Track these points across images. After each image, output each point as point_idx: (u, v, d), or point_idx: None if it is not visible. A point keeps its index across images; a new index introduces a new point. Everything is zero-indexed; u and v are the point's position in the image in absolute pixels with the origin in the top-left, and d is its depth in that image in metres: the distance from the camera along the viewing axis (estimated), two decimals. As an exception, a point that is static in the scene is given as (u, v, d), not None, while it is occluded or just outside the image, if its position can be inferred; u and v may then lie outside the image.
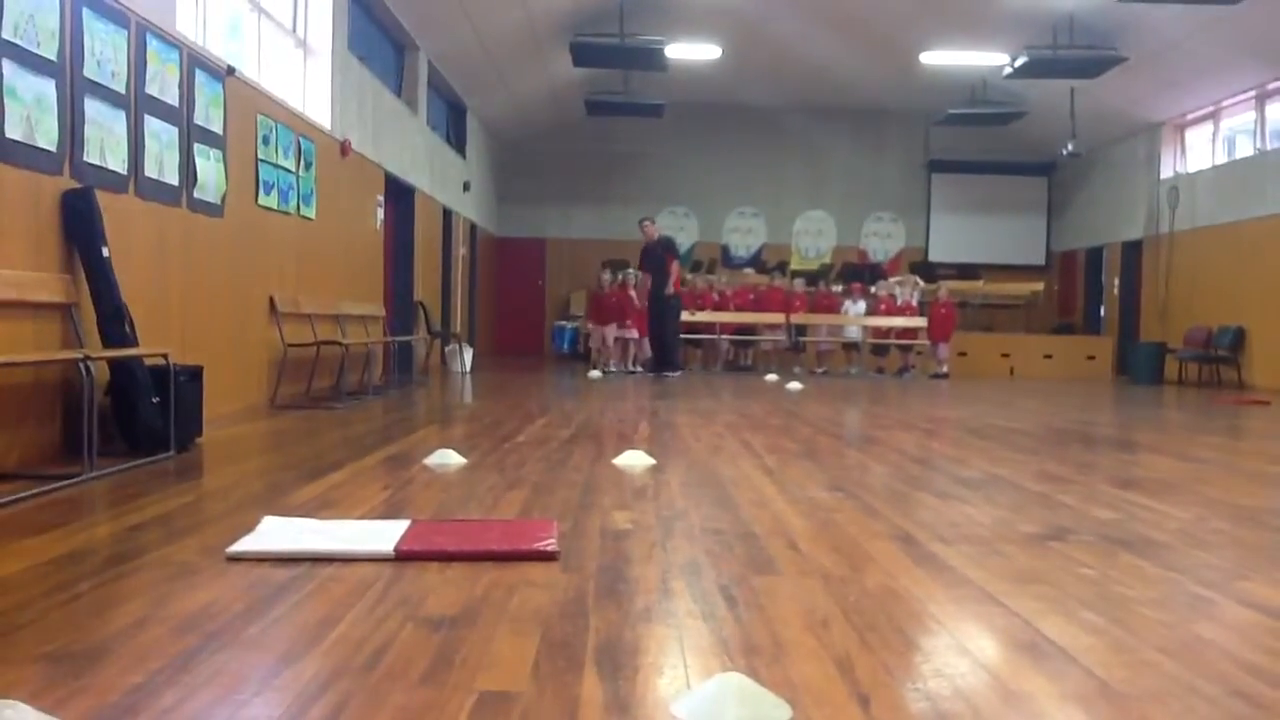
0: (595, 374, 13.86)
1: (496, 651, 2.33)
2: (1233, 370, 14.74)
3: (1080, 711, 2.06)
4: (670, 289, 14.25)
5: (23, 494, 4.11)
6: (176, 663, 2.21)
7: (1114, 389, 14.31)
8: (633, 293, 14.86)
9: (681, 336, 15.20)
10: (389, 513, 3.95)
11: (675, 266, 14.41)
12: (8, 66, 4.79)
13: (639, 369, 15.00)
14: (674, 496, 4.46)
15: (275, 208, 8.37)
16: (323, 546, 3.23)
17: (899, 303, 16.92)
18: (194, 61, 6.81)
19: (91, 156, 5.54)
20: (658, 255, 14.34)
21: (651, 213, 20.31)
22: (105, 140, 5.69)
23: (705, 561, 3.25)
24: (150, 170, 6.23)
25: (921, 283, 17.85)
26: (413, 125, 13.41)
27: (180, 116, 6.62)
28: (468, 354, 14.46)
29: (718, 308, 16.72)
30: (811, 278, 18.85)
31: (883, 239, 21.26)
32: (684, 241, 19.80)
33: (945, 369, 16.13)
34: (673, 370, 14.32)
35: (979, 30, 14.74)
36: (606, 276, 15.12)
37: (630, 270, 15.38)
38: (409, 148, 13.07)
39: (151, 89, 6.22)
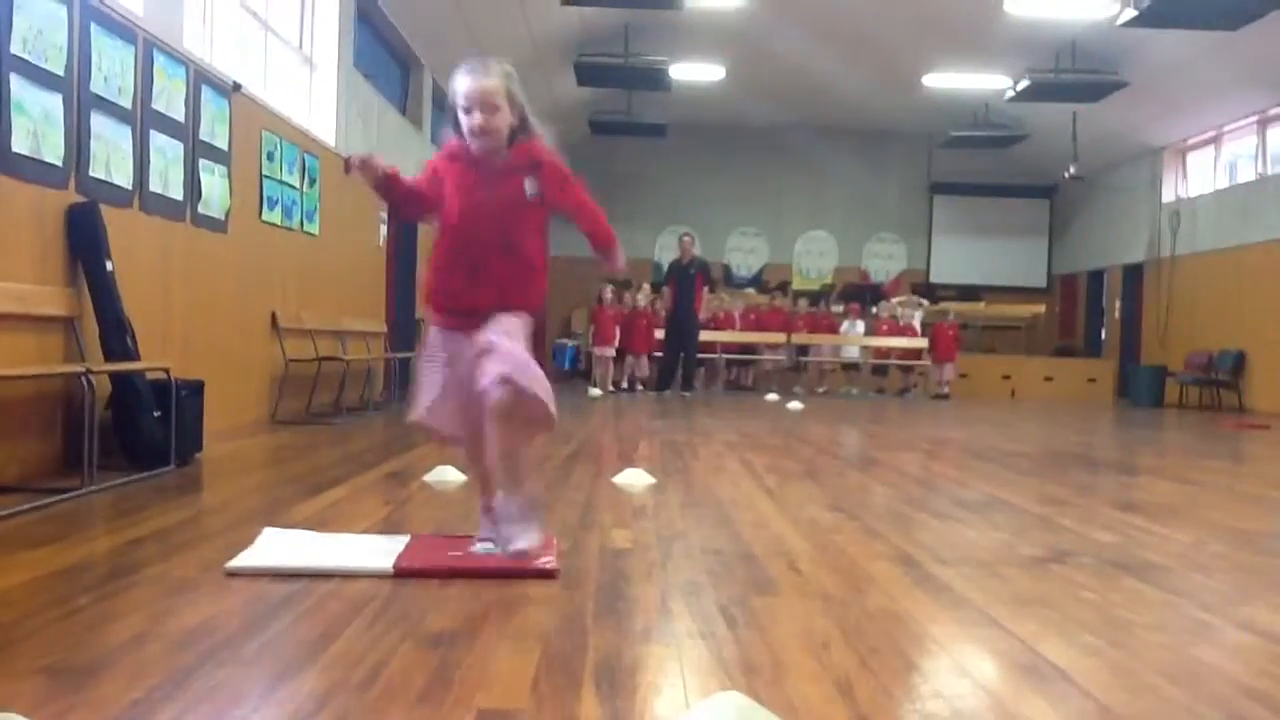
0: (595, 392, 13.86)
1: (495, 669, 2.33)
2: (1233, 394, 14.74)
3: (1080, 735, 2.05)
4: (699, 311, 14.29)
5: (22, 507, 4.11)
6: (175, 678, 2.20)
7: (1114, 412, 14.31)
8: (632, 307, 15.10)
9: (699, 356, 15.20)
10: (388, 529, 3.95)
11: (704, 292, 14.42)
12: (15, 81, 4.82)
13: (640, 388, 15.00)
14: (674, 516, 4.46)
15: (279, 223, 8.39)
16: (322, 562, 3.22)
17: (900, 324, 16.94)
18: (200, 78, 6.84)
19: (97, 171, 5.57)
20: (690, 275, 14.32)
21: (654, 231, 20.47)
22: (111, 155, 5.71)
23: (705, 581, 3.24)
24: (155, 185, 6.25)
25: (925, 303, 17.86)
26: (417, 143, 13.46)
27: (186, 132, 6.65)
28: (469, 371, 14.44)
29: (719, 326, 16.74)
30: (813, 298, 18.88)
31: (884, 260, 21.29)
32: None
33: (946, 390, 16.14)
34: (688, 390, 14.35)
35: (982, 54, 14.82)
36: (609, 294, 15.06)
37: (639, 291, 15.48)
38: (413, 165, 13.08)
39: (158, 105, 6.25)
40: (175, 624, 2.62)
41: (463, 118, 3.23)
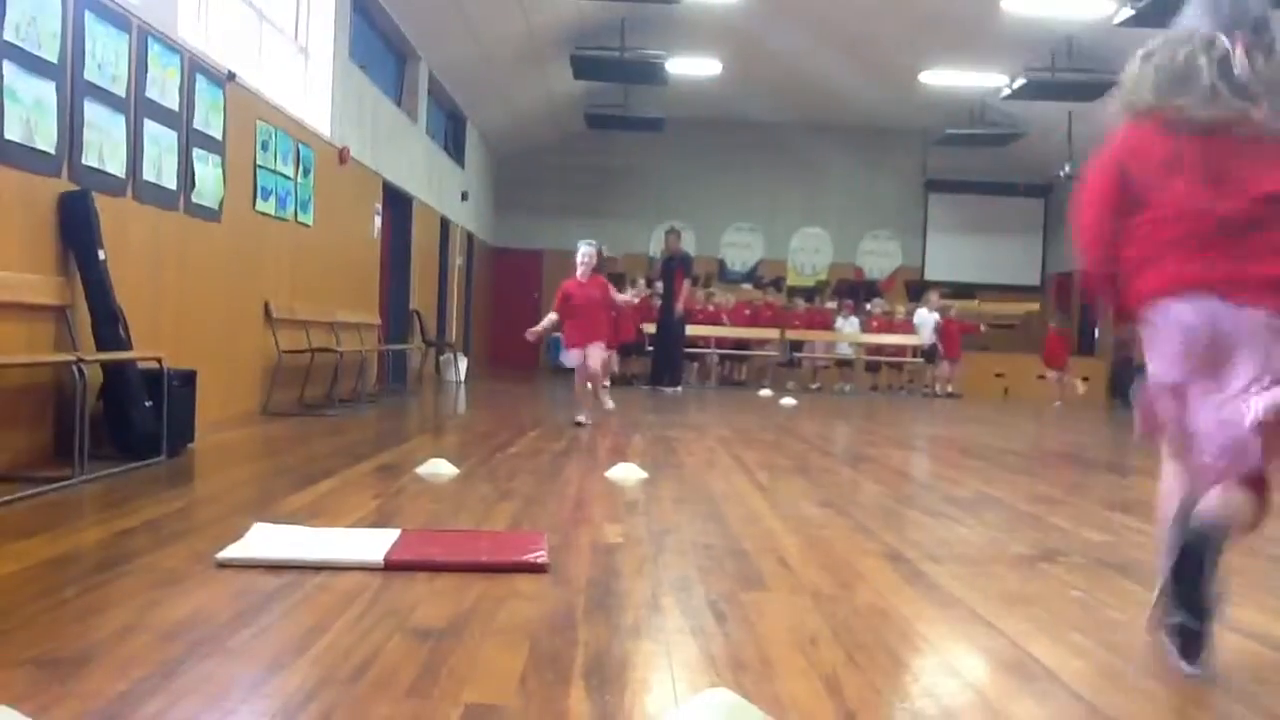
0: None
1: (484, 664, 2.33)
2: (1226, 395, 14.75)
3: (1067, 735, 2.06)
4: (678, 307, 14.25)
5: (12, 496, 4.10)
6: (162, 670, 2.20)
7: (1107, 411, 14.33)
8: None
9: (686, 350, 15.14)
10: (379, 522, 3.94)
11: (685, 285, 14.39)
12: (8, 68, 4.79)
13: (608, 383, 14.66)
14: (665, 511, 4.46)
15: (273, 214, 8.37)
16: (312, 555, 3.22)
17: (895, 319, 16.99)
18: (195, 66, 6.81)
19: (90, 159, 5.54)
20: (671, 270, 14.38)
21: (649, 226, 20.45)
22: (104, 143, 5.69)
23: (695, 577, 3.25)
24: (148, 174, 6.23)
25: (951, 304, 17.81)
26: (412, 134, 13.43)
27: (180, 121, 6.62)
28: (462, 364, 14.45)
29: (713, 322, 16.73)
30: (807, 294, 18.89)
31: (879, 257, 21.30)
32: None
33: (951, 387, 16.23)
34: (673, 386, 14.30)
35: (978, 51, 14.81)
36: (586, 250, 8.41)
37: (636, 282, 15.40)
38: (408, 157, 13.08)
39: (152, 93, 6.22)
40: (164, 615, 2.61)
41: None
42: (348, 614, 2.67)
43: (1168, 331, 2.40)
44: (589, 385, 8.46)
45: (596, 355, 8.34)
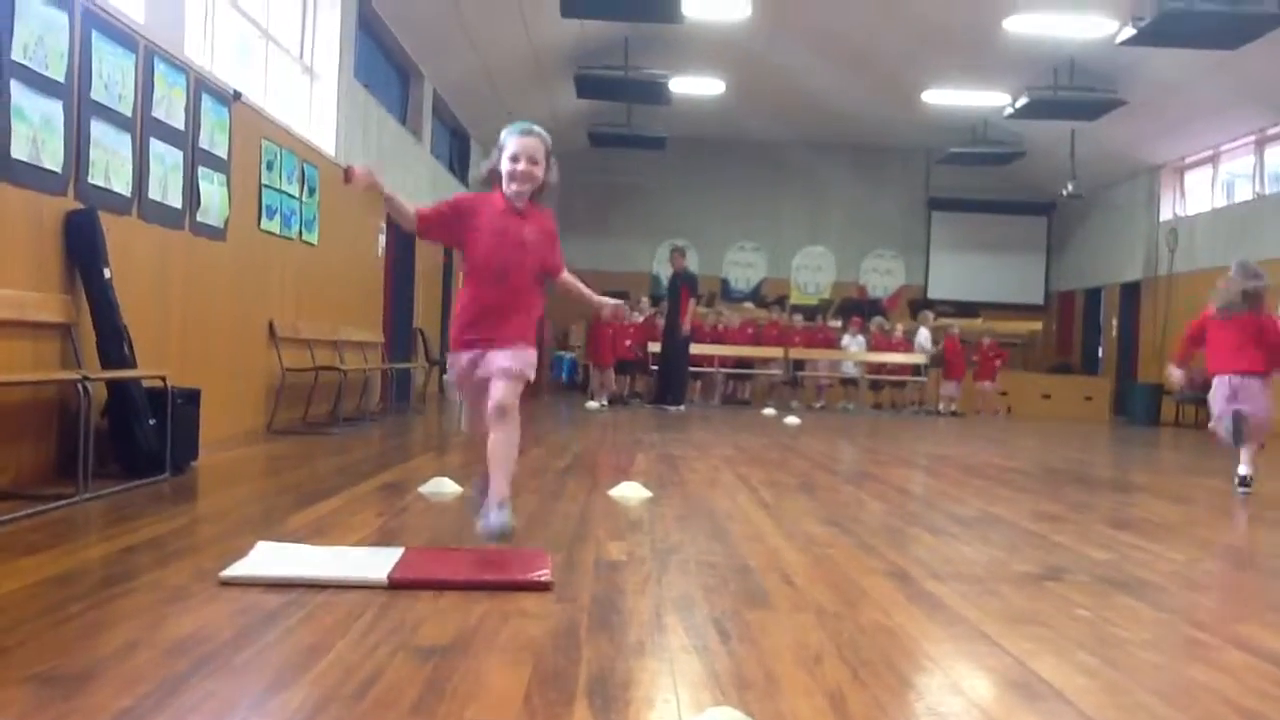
0: (592, 405, 13.85)
1: (488, 682, 2.32)
2: (1230, 413, 14.72)
3: (1072, 753, 2.05)
4: (684, 326, 14.24)
5: (16, 514, 4.10)
6: (166, 687, 2.20)
7: (1111, 429, 14.30)
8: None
9: (690, 369, 15.15)
10: (383, 540, 3.94)
11: (690, 304, 14.39)
12: (16, 87, 4.82)
13: (605, 403, 14.56)
14: (669, 529, 4.45)
15: (278, 233, 8.39)
16: (315, 573, 3.21)
17: (894, 338, 17.01)
18: (200, 86, 6.85)
19: (96, 178, 5.57)
20: (676, 288, 14.40)
21: (652, 245, 20.48)
22: (110, 162, 5.72)
23: (699, 595, 3.24)
24: (154, 193, 6.25)
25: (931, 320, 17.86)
26: (416, 153, 13.48)
27: (185, 140, 6.65)
28: (466, 382, 14.40)
29: (716, 340, 16.74)
30: (810, 313, 18.91)
31: (882, 275, 21.33)
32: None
33: (955, 406, 16.25)
34: (676, 404, 14.28)
35: (980, 70, 14.87)
36: (523, 140, 4.05)
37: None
38: (412, 175, 13.12)
39: (158, 112, 6.25)
40: (167, 633, 2.61)
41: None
42: (351, 632, 2.67)
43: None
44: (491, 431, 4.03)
45: (502, 383, 3.84)
